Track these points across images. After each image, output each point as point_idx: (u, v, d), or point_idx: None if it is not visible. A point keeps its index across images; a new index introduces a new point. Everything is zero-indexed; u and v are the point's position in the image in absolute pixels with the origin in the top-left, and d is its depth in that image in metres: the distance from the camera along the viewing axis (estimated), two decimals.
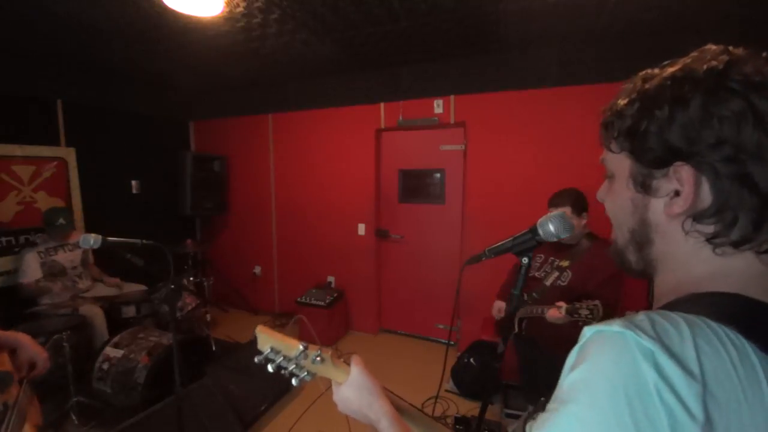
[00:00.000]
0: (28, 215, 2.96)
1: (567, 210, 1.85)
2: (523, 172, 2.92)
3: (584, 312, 1.51)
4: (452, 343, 3.41)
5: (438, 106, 3.16)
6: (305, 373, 0.68)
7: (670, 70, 0.45)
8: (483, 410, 1.12)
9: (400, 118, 3.31)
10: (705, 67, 0.41)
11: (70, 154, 3.23)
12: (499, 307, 2.11)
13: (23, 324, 2.41)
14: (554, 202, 1.93)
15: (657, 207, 0.46)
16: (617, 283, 1.80)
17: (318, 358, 0.66)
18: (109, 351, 2.37)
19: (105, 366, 2.31)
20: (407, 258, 3.60)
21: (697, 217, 0.42)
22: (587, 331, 0.40)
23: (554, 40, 2.58)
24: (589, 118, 2.64)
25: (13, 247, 2.87)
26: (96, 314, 2.65)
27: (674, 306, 0.42)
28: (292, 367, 0.67)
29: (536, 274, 2.03)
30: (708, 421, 0.32)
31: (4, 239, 2.85)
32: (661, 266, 0.49)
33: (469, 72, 3.01)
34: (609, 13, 2.15)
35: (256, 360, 0.69)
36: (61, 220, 2.73)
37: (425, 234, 3.49)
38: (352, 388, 0.65)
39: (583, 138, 2.64)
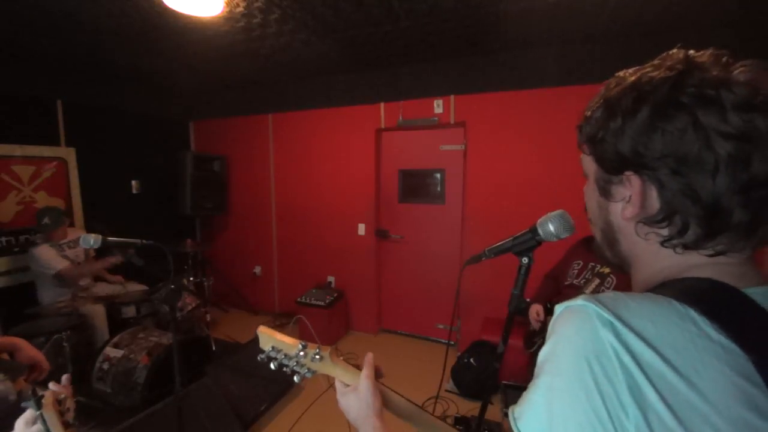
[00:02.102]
0: (28, 215, 2.96)
1: None
2: (523, 172, 2.92)
3: None
4: (452, 343, 3.41)
5: (438, 106, 3.16)
6: (306, 370, 0.71)
7: (632, 78, 0.46)
8: (483, 410, 1.12)
9: (400, 118, 3.31)
10: (659, 77, 0.42)
11: (70, 154, 3.23)
12: (538, 310, 1.98)
13: (23, 324, 2.41)
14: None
15: (616, 210, 0.49)
16: None
17: (317, 356, 0.69)
18: (109, 351, 2.37)
19: (105, 366, 2.32)
20: (407, 258, 3.60)
21: (648, 222, 0.45)
22: (557, 309, 0.42)
23: (554, 40, 2.58)
24: None
25: (13, 247, 2.87)
26: (96, 314, 2.65)
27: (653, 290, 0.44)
28: (293, 364, 0.70)
29: (575, 281, 1.91)
30: (664, 384, 0.34)
31: (4, 239, 2.85)
32: (633, 264, 0.51)
33: (469, 72, 3.01)
34: (609, 13, 2.15)
35: (258, 358, 0.72)
36: (46, 220, 2.69)
37: (425, 234, 3.49)
38: (356, 397, 0.67)
39: None
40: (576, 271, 1.96)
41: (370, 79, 3.36)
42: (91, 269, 2.82)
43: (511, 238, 0.88)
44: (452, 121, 3.14)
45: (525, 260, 0.87)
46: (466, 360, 2.68)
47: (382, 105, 3.37)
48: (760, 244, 0.43)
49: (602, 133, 0.46)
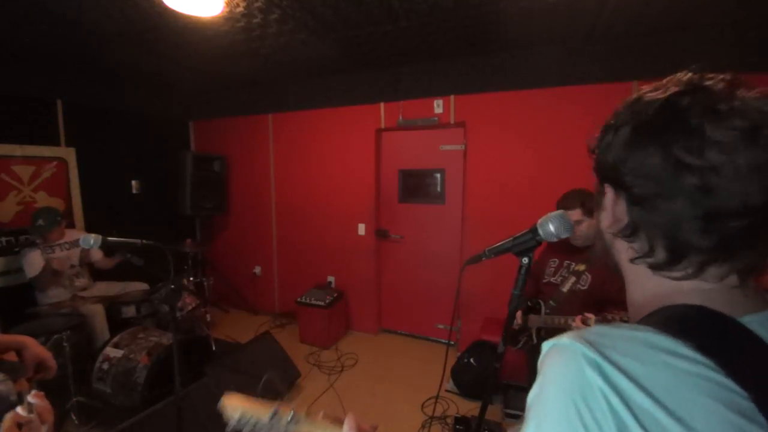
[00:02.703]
0: (28, 215, 2.95)
1: (577, 212, 1.79)
2: (523, 172, 2.92)
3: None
4: (452, 343, 3.41)
5: (438, 106, 3.16)
6: None
7: (634, 96, 0.47)
8: (483, 410, 1.12)
9: (400, 118, 3.31)
10: (648, 98, 0.43)
11: (70, 154, 3.23)
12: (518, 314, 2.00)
13: (23, 324, 2.41)
14: (563, 204, 1.86)
15: (601, 219, 0.52)
16: None
17: (292, 421, 0.63)
18: (109, 351, 2.37)
19: (105, 366, 2.32)
20: (407, 258, 3.60)
21: (621, 235, 0.47)
22: (544, 346, 0.42)
23: (554, 40, 2.58)
24: (589, 118, 2.64)
25: (13, 247, 2.87)
26: (96, 314, 2.65)
27: (645, 320, 0.44)
28: (268, 431, 0.64)
29: (552, 279, 1.95)
30: (655, 426, 0.32)
31: (4, 239, 2.85)
32: (626, 280, 0.52)
33: (469, 72, 3.01)
34: (609, 13, 2.15)
35: (226, 431, 0.66)
36: (40, 221, 2.68)
37: (425, 234, 3.49)
38: None
39: (583, 138, 2.63)
40: (552, 269, 1.98)
41: (370, 79, 3.36)
42: (66, 284, 2.77)
43: (511, 239, 0.88)
44: (452, 121, 3.14)
45: (525, 260, 0.87)
46: (466, 360, 2.68)
47: (382, 105, 3.37)
48: (749, 272, 0.41)
49: (594, 146, 0.50)
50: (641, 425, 0.32)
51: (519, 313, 2.00)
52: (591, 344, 0.37)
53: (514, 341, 2.09)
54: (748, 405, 0.33)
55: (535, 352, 1.96)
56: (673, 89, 0.42)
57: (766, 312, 0.39)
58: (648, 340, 0.37)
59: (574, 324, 1.58)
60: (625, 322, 1.43)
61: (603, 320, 1.45)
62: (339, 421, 0.64)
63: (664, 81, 0.45)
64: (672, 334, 0.37)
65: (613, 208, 0.47)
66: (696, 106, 0.39)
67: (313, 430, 0.64)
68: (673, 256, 0.42)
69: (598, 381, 0.35)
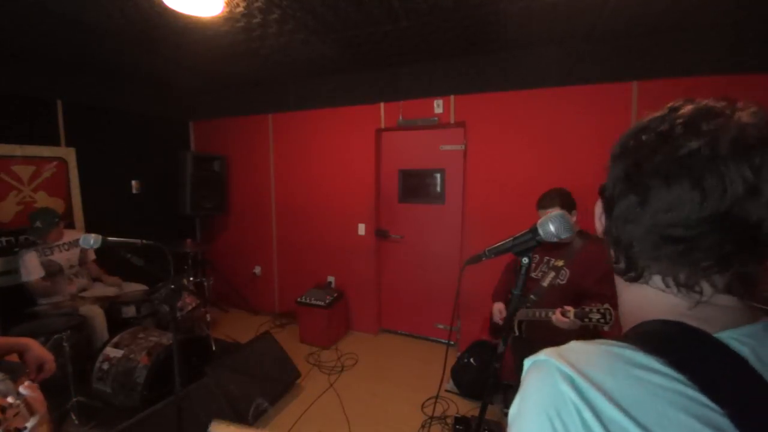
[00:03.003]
0: (28, 216, 2.96)
1: (556, 210, 1.86)
2: (523, 172, 2.92)
3: (595, 316, 1.48)
4: (452, 343, 3.41)
5: (438, 106, 3.16)
6: None
7: (644, 120, 0.46)
8: (483, 410, 1.12)
9: (400, 118, 3.30)
10: (634, 133, 0.45)
11: (70, 154, 3.23)
12: (499, 308, 2.09)
13: (23, 324, 2.41)
14: (543, 204, 1.95)
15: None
16: (613, 280, 1.80)
17: None
18: (109, 351, 2.37)
19: (105, 366, 2.32)
20: (407, 258, 3.60)
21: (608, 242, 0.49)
22: (525, 363, 0.44)
23: (554, 40, 2.58)
24: (589, 118, 2.64)
25: (13, 247, 2.87)
26: (96, 314, 2.65)
27: (629, 332, 0.46)
28: None
29: (533, 274, 2.01)
30: None
31: (4, 239, 2.85)
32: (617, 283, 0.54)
33: (469, 72, 3.01)
34: (609, 13, 2.15)
35: None
36: (38, 223, 2.67)
37: (425, 234, 3.49)
38: None
39: (583, 138, 2.64)
40: (533, 265, 2.04)
41: (370, 79, 3.36)
42: (63, 289, 2.74)
43: (511, 239, 0.88)
44: (452, 121, 3.14)
45: (525, 260, 0.87)
46: (466, 360, 2.68)
47: (382, 105, 3.37)
48: (729, 286, 0.41)
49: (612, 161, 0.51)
50: None
51: (502, 307, 2.08)
52: (565, 360, 0.39)
53: (504, 340, 2.11)
54: (722, 420, 0.33)
55: (517, 341, 2.01)
56: (662, 127, 0.44)
57: (746, 327, 0.39)
58: (622, 356, 0.38)
59: (553, 316, 1.65)
60: (603, 315, 1.44)
61: (582, 313, 1.52)
62: None
63: (671, 105, 0.45)
64: (646, 350, 0.38)
65: (598, 218, 0.51)
66: (661, 139, 0.43)
67: None
68: (632, 268, 0.45)
69: (572, 395, 0.36)
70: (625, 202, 0.44)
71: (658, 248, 0.42)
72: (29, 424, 0.76)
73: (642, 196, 0.42)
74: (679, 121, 0.40)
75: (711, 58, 2.32)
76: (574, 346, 0.41)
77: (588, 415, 0.34)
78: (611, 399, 0.34)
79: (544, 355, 0.41)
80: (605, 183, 0.49)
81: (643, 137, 0.43)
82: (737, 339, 0.38)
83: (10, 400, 0.76)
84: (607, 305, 1.49)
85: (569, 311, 1.57)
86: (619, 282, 0.51)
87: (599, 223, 0.51)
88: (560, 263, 1.92)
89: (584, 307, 1.53)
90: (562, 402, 0.36)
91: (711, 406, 0.34)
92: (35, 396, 0.81)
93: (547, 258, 1.99)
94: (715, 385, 0.35)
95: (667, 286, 0.43)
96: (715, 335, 0.38)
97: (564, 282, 1.87)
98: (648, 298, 0.46)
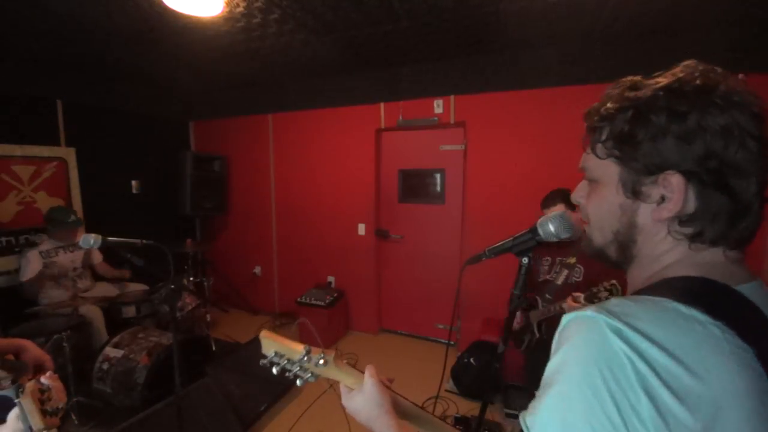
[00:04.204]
0: (28, 215, 2.96)
1: (560, 207, 1.89)
2: (523, 172, 2.92)
3: (604, 294, 1.48)
4: (452, 343, 3.41)
5: (438, 106, 3.16)
6: (309, 375, 0.70)
7: (663, 81, 0.46)
8: (483, 410, 1.12)
9: (400, 118, 3.30)
10: (698, 82, 0.44)
11: (70, 154, 3.23)
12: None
13: (23, 324, 2.41)
14: (546, 203, 1.98)
15: (645, 211, 0.49)
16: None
17: (321, 361, 0.69)
18: (109, 351, 2.37)
19: (105, 366, 2.31)
20: (407, 258, 3.59)
21: (682, 221, 0.46)
22: (564, 319, 0.43)
23: (554, 40, 2.58)
24: None
25: (13, 247, 2.87)
26: (96, 314, 2.65)
27: (646, 291, 0.45)
28: (296, 369, 0.70)
29: (547, 276, 2.03)
30: (679, 385, 0.35)
31: (4, 239, 2.85)
32: (637, 261, 0.53)
33: (469, 72, 3.01)
34: (609, 13, 2.15)
35: (261, 363, 0.71)
36: (73, 217, 2.75)
37: (425, 234, 3.49)
38: (364, 398, 0.67)
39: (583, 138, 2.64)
40: (547, 267, 2.07)
41: (370, 79, 3.35)
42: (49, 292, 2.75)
43: (511, 238, 0.88)
44: (452, 121, 3.14)
45: (525, 260, 0.87)
46: (466, 360, 2.68)
47: (382, 105, 3.37)
48: (741, 244, 0.47)
49: (641, 133, 0.46)
50: (665, 384, 0.35)
51: (519, 313, 2.07)
52: (613, 314, 0.39)
53: (518, 342, 2.11)
54: (752, 359, 0.37)
55: (536, 350, 1.99)
56: (711, 75, 0.45)
57: (754, 282, 0.45)
58: (666, 307, 0.40)
59: (566, 306, 1.67)
60: (610, 291, 1.43)
61: (591, 295, 1.53)
62: (361, 371, 0.70)
63: (682, 68, 0.47)
64: (686, 302, 0.39)
65: (682, 197, 0.45)
66: (730, 87, 0.44)
67: (338, 373, 0.71)
68: (731, 232, 0.45)
69: (624, 347, 0.36)
70: (738, 155, 0.43)
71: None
72: (61, 405, 0.87)
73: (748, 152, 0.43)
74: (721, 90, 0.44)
75: (710, 58, 2.29)
76: (618, 302, 0.41)
77: (642, 365, 0.35)
78: (663, 348, 0.36)
79: (591, 312, 0.40)
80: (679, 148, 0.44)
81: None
82: (750, 291, 0.43)
83: (43, 380, 0.86)
84: (613, 281, 1.49)
85: (580, 296, 1.60)
86: (662, 246, 0.49)
87: (678, 201, 0.45)
88: (572, 260, 1.94)
89: (592, 289, 1.54)
90: (613, 355, 0.37)
91: (744, 347, 0.37)
92: (57, 386, 0.89)
93: (559, 258, 2.02)
94: (746, 330, 0.38)
95: (713, 244, 0.46)
96: (736, 287, 0.43)
97: (580, 279, 1.89)
98: (677, 258, 0.47)
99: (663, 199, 0.46)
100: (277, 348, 0.71)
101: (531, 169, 2.88)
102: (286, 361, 0.70)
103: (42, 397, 0.84)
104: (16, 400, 0.80)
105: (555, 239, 0.82)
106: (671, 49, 2.40)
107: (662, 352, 0.36)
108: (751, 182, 0.43)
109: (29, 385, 0.83)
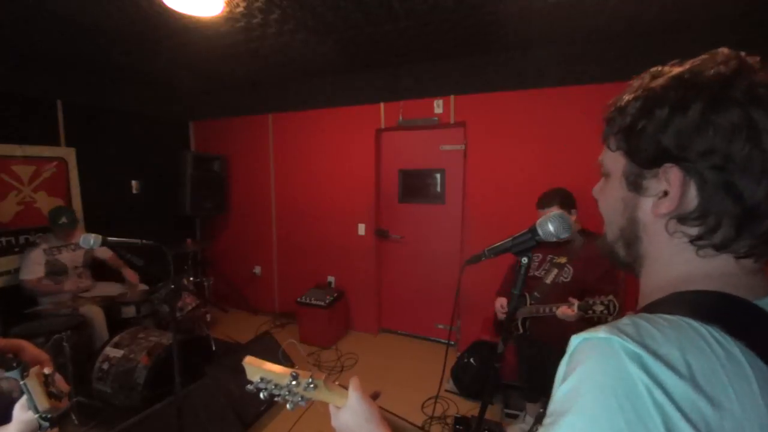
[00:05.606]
0: (28, 215, 2.96)
1: (555, 209, 1.90)
2: (523, 172, 2.92)
3: (599, 308, 1.48)
4: (452, 343, 3.41)
5: (438, 106, 3.16)
6: (299, 399, 0.68)
7: (678, 70, 0.44)
8: (483, 410, 1.12)
9: (400, 118, 3.30)
10: (712, 72, 0.41)
11: (70, 154, 3.23)
12: (502, 303, 2.10)
13: (23, 324, 2.41)
14: (542, 203, 1.99)
15: (646, 206, 0.47)
16: (613, 276, 1.83)
17: (311, 385, 0.66)
18: (109, 351, 2.37)
19: (105, 366, 2.31)
20: (407, 258, 3.60)
21: (682, 218, 0.44)
22: (574, 340, 0.40)
23: (554, 40, 2.58)
24: (589, 118, 2.64)
25: (13, 247, 2.87)
26: (96, 314, 2.65)
27: (657, 306, 0.43)
28: (284, 393, 0.67)
29: (536, 273, 2.04)
30: (699, 417, 0.32)
31: (4, 239, 2.85)
32: (647, 264, 0.50)
33: (469, 72, 3.01)
34: (609, 13, 2.15)
35: (247, 388, 0.69)
36: (64, 219, 2.73)
37: (425, 234, 3.49)
38: (350, 414, 0.65)
39: (583, 138, 2.64)
40: (536, 264, 2.08)
41: (370, 79, 3.35)
42: (60, 288, 2.73)
43: (511, 238, 0.88)
44: (452, 121, 3.14)
45: (524, 260, 0.87)
46: (466, 360, 2.68)
47: (382, 105, 3.37)
48: (762, 255, 0.42)
49: (643, 123, 0.44)
50: (685, 417, 0.32)
51: (504, 302, 2.09)
52: (628, 336, 0.36)
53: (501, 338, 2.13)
54: None
55: (521, 339, 2.02)
56: (732, 63, 0.41)
57: None
58: (682, 326, 0.37)
59: (558, 311, 1.67)
60: (606, 306, 1.44)
61: (586, 305, 1.54)
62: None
63: (705, 56, 0.44)
64: (702, 320, 0.37)
65: (680, 190, 0.42)
66: (757, 80, 0.40)
67: (329, 395, 0.68)
68: (739, 237, 0.41)
69: (641, 374, 0.34)
70: (748, 153, 0.39)
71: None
72: (66, 391, 0.91)
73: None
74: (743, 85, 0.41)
75: None
76: (630, 321, 0.38)
77: (660, 395, 0.33)
78: (680, 375, 0.33)
79: (603, 333, 0.37)
80: (680, 141, 0.42)
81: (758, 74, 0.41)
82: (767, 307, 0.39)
83: (46, 371, 0.88)
84: (611, 297, 1.50)
85: (573, 303, 1.60)
86: (669, 248, 0.46)
87: (675, 197, 0.43)
88: (563, 260, 1.95)
89: (588, 300, 1.55)
90: (631, 384, 0.34)
91: (765, 370, 0.34)
92: (58, 377, 0.92)
93: (550, 256, 2.02)
94: (766, 350, 0.35)
95: (720, 249, 0.42)
96: (754, 302, 0.39)
97: (568, 279, 1.90)
98: (689, 267, 0.44)
99: (666, 194, 0.44)
100: (263, 374, 0.68)
101: (531, 168, 2.88)
102: (273, 387, 0.68)
103: (47, 380, 0.86)
104: (21, 382, 0.81)
105: (554, 239, 0.82)
106: (671, 49, 2.39)
107: (681, 380, 0.33)
108: (765, 184, 0.39)
109: (34, 369, 0.85)
